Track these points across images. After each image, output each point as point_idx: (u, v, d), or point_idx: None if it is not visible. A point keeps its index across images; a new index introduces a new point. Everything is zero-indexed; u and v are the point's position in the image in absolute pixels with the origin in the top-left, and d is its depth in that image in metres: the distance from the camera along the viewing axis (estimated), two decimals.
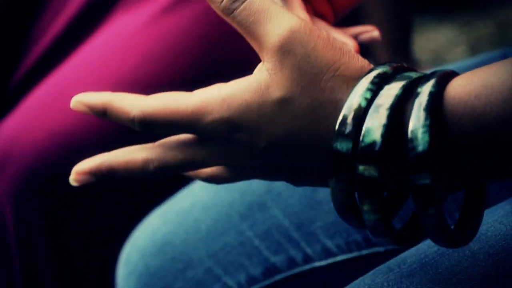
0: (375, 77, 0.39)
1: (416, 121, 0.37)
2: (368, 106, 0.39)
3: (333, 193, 0.40)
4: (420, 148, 0.37)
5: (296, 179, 0.46)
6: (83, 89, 0.98)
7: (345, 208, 0.41)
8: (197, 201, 0.82)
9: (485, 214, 0.52)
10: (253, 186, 0.80)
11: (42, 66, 1.04)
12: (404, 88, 0.39)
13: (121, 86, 0.96)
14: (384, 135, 0.38)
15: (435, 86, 0.38)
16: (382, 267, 0.54)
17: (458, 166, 0.39)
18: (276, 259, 0.76)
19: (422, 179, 0.37)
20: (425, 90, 0.37)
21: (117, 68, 0.97)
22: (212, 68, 1.00)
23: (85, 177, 0.47)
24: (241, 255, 0.76)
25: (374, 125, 0.38)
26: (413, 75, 0.40)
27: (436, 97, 0.37)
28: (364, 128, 0.38)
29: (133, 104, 0.43)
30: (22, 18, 1.07)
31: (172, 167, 0.45)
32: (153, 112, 0.43)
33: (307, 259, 0.78)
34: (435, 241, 0.44)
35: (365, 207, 0.40)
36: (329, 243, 0.77)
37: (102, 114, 0.45)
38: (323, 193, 0.76)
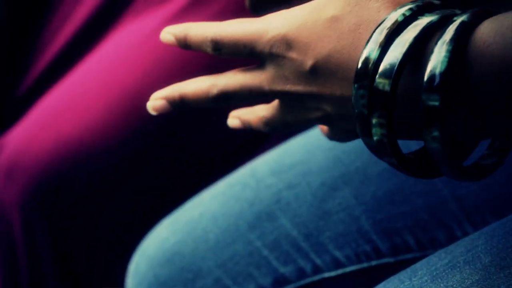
0: (418, 3, 0.42)
1: (440, 45, 0.39)
2: (405, 23, 0.41)
3: (354, 100, 0.43)
4: (437, 69, 0.39)
5: (337, 117, 0.48)
6: (90, 99, 0.98)
7: (362, 117, 0.43)
8: (205, 211, 0.81)
9: (496, 226, 0.51)
10: (262, 196, 0.79)
11: (50, 75, 1.04)
12: (441, 17, 0.41)
13: (131, 94, 0.96)
14: (406, 52, 0.41)
15: (469, 17, 0.40)
16: (393, 278, 0.53)
17: (476, 104, 0.40)
18: (285, 270, 0.76)
19: (432, 100, 0.39)
20: (458, 20, 0.40)
21: (125, 76, 0.97)
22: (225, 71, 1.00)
23: (161, 103, 0.53)
24: (250, 265, 0.76)
25: (401, 42, 0.41)
26: (455, 11, 0.42)
27: (465, 26, 0.39)
28: (394, 42, 0.41)
29: (207, 27, 0.49)
30: (28, 24, 1.07)
31: (233, 92, 0.50)
32: (223, 31, 0.48)
33: (317, 270, 0.77)
34: (443, 171, 0.45)
35: (374, 120, 0.42)
36: (339, 254, 0.76)
37: (183, 42, 0.50)
38: (332, 203, 0.76)
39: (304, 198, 0.77)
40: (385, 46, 0.41)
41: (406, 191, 0.79)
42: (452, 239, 0.77)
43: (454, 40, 0.40)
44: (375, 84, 0.41)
